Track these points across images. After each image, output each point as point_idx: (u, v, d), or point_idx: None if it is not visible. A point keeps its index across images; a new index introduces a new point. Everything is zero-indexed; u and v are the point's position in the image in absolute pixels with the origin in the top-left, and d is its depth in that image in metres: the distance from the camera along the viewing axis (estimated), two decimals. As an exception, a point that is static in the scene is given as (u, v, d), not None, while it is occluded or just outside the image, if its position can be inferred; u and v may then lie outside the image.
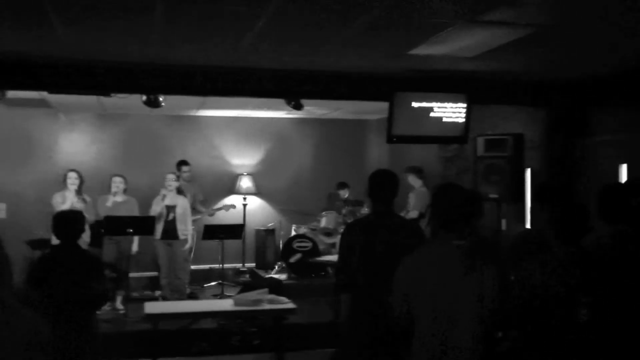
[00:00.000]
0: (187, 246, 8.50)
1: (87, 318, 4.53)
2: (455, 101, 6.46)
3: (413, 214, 8.18)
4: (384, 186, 4.05)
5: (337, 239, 9.29)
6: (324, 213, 9.63)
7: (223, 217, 9.76)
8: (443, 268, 2.99)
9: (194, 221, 9.02)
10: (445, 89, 6.44)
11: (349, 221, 9.23)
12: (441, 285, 2.96)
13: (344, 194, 9.70)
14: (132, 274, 8.43)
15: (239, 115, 10.46)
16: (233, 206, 9.88)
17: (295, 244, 9.30)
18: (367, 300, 3.93)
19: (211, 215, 9.53)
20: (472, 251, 3.02)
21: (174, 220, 8.33)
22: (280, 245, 9.78)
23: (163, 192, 8.34)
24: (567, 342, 3.16)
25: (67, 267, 4.43)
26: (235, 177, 10.60)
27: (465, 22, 4.40)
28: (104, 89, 6.37)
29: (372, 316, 3.85)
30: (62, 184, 7.89)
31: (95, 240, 7.88)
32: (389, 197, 4.05)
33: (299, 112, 8.34)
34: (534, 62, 5.80)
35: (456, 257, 2.99)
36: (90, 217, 7.73)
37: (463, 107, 6.48)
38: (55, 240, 4.72)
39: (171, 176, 8.49)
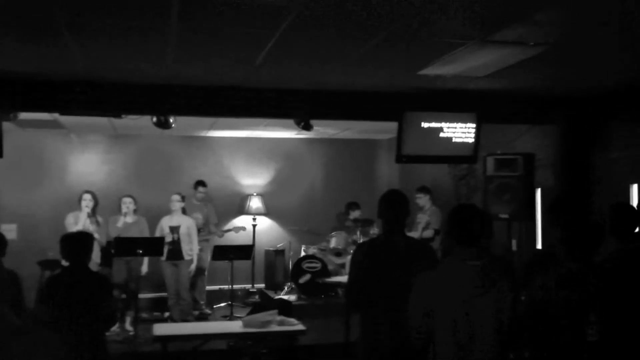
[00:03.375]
0: (193, 266, 8.48)
1: (96, 339, 4.52)
2: (465, 121, 6.46)
3: (428, 233, 8.16)
4: (394, 207, 4.04)
5: (346, 259, 9.26)
6: (333, 233, 9.60)
7: (233, 238, 9.75)
8: (459, 287, 3.01)
9: (205, 241, 9.01)
10: (455, 108, 6.45)
11: (359, 241, 9.23)
12: (458, 304, 2.99)
13: (355, 214, 9.66)
14: (141, 295, 8.43)
15: (249, 136, 10.49)
16: (243, 228, 9.88)
17: (305, 265, 9.27)
18: (378, 320, 3.91)
19: (220, 236, 9.53)
20: (487, 270, 3.03)
21: (178, 241, 8.33)
22: (290, 266, 9.75)
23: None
24: None
25: (76, 288, 4.44)
26: (245, 197, 10.61)
27: (476, 42, 4.41)
28: (115, 111, 6.41)
29: (385, 336, 3.83)
30: (77, 205, 7.92)
31: (106, 261, 7.90)
32: (399, 217, 4.04)
33: (309, 132, 8.35)
34: (545, 79, 5.80)
35: (472, 276, 3.00)
36: (101, 238, 7.76)
37: (472, 127, 6.48)
38: (65, 262, 4.72)
39: (176, 197, 8.51)
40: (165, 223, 8.41)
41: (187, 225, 8.44)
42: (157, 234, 8.33)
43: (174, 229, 8.35)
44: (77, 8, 3.71)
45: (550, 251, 4.18)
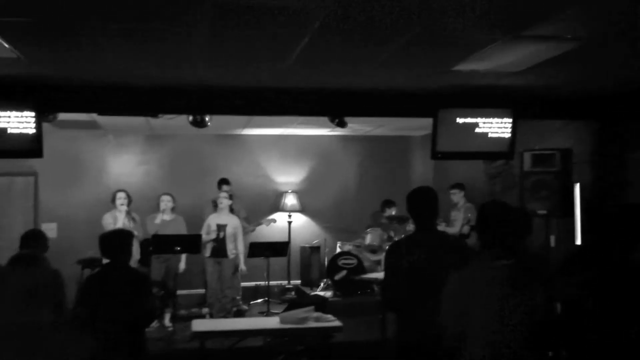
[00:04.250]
0: (242, 266, 8.57)
1: (136, 336, 4.59)
2: (501, 116, 6.39)
3: (465, 229, 8.11)
4: (423, 204, 4.03)
5: (382, 256, 9.23)
6: (368, 230, 9.60)
7: (268, 235, 9.82)
8: (490, 287, 2.97)
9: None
10: (490, 104, 6.38)
11: (394, 237, 9.22)
12: (489, 304, 2.95)
13: (390, 211, 9.64)
14: (179, 292, 8.55)
15: (284, 133, 10.54)
16: (274, 220, 9.98)
17: (341, 261, 9.29)
18: (414, 318, 3.91)
19: (252, 231, 9.60)
20: (519, 269, 2.99)
21: (224, 239, 8.42)
22: (326, 263, 9.78)
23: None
24: None
25: (116, 285, 4.49)
26: (280, 194, 10.67)
27: (510, 38, 4.36)
28: (152, 110, 6.51)
29: (420, 334, 3.83)
30: (111, 204, 8.06)
31: (144, 258, 8.02)
32: (429, 214, 4.03)
33: (343, 129, 8.36)
34: (581, 74, 5.71)
35: (503, 276, 2.97)
36: (139, 234, 7.89)
37: (509, 122, 6.40)
38: (105, 259, 4.81)
39: (224, 194, 8.60)
40: (213, 221, 8.52)
41: (233, 224, 8.54)
42: (204, 231, 8.46)
43: (221, 227, 8.45)
44: (112, 16, 3.78)
45: (585, 247, 4.12)
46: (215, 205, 8.82)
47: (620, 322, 3.07)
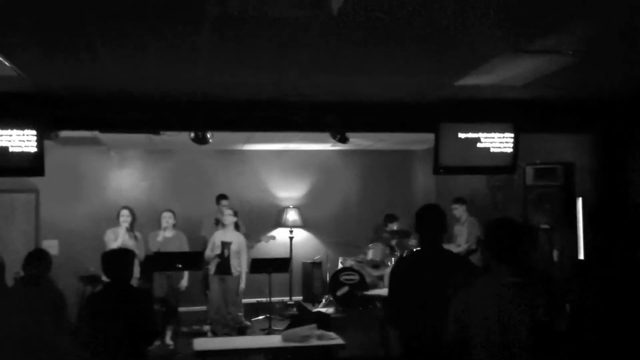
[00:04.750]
0: (243, 284, 8.54)
1: (138, 355, 4.56)
2: (503, 131, 6.37)
3: (471, 245, 8.06)
4: (431, 221, 4.03)
5: (384, 272, 9.21)
6: (370, 245, 9.56)
7: (270, 250, 9.79)
8: (496, 305, 2.95)
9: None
10: (492, 118, 6.37)
11: (397, 252, 9.18)
12: (495, 322, 2.92)
13: (392, 226, 9.61)
14: (181, 308, 8.51)
15: (285, 149, 10.54)
16: (273, 237, 9.99)
17: (343, 277, 9.24)
18: (417, 335, 3.88)
19: (251, 248, 9.57)
20: (526, 287, 2.97)
21: (228, 257, 8.39)
22: (327, 278, 9.73)
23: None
24: None
25: (118, 304, 4.47)
26: (282, 210, 10.64)
27: (512, 52, 4.36)
28: (154, 127, 6.51)
29: (425, 352, 3.79)
30: (115, 221, 8.04)
31: (146, 276, 7.99)
32: (436, 232, 4.03)
33: (344, 144, 8.35)
34: (582, 87, 5.71)
35: (509, 294, 2.95)
36: (140, 253, 7.86)
37: (510, 137, 6.39)
38: (106, 278, 4.78)
39: (229, 211, 8.58)
40: (218, 237, 8.49)
41: (238, 242, 8.51)
42: (209, 248, 8.43)
43: (226, 245, 8.42)
44: (111, 26, 3.77)
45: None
46: (217, 222, 8.80)
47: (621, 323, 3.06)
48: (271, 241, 9.91)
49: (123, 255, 4.76)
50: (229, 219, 8.52)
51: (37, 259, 5.04)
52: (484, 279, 3.13)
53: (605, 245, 3.28)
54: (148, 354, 4.76)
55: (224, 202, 9.33)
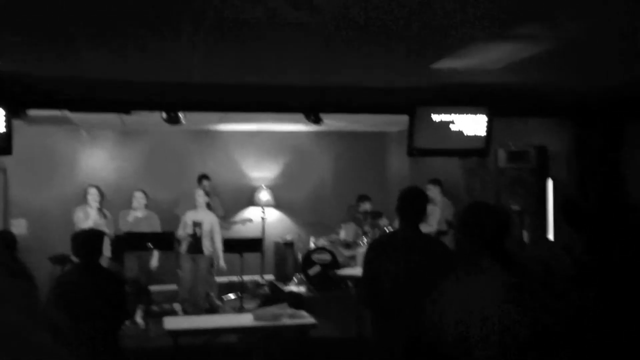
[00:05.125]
0: (221, 262, 8.52)
1: (110, 336, 4.53)
2: (477, 114, 6.40)
3: (443, 226, 8.11)
4: (413, 205, 4.05)
5: (356, 252, 9.25)
6: (342, 225, 9.58)
7: (242, 230, 9.76)
8: (481, 293, 2.90)
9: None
10: (467, 101, 6.39)
11: (369, 233, 9.22)
12: (479, 310, 2.87)
13: (365, 206, 9.63)
14: (152, 287, 8.47)
15: (259, 129, 10.47)
16: (250, 220, 9.95)
17: (315, 257, 9.26)
18: (393, 318, 3.89)
19: (228, 229, 9.55)
20: (507, 274, 2.94)
21: (200, 236, 8.35)
22: (300, 258, 9.75)
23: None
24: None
25: (88, 285, 4.44)
26: (254, 189, 10.60)
27: (491, 36, 4.35)
28: (125, 107, 6.40)
29: (398, 333, 3.81)
30: (83, 200, 7.94)
31: (116, 255, 7.92)
32: (417, 215, 4.06)
33: (319, 125, 8.32)
34: (558, 73, 5.73)
35: (493, 281, 2.90)
36: (110, 232, 7.78)
37: (484, 120, 6.42)
38: (76, 259, 4.72)
39: (200, 192, 8.54)
40: (190, 217, 8.45)
41: (210, 221, 8.48)
42: (181, 228, 8.39)
43: (197, 224, 8.37)
44: (85, 14, 3.69)
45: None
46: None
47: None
48: (244, 225, 9.86)
49: (93, 236, 4.70)
50: (200, 199, 8.47)
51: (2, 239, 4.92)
52: (464, 270, 3.05)
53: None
54: (119, 335, 4.73)
55: (205, 182, 9.29)
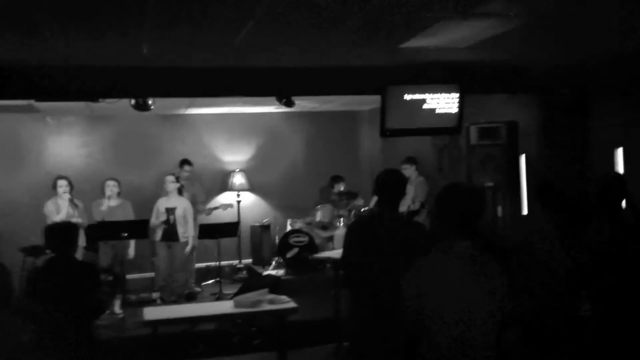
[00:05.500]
0: (188, 248, 8.46)
1: (86, 327, 4.49)
2: (448, 91, 6.42)
3: (415, 206, 8.15)
4: (392, 187, 4.05)
5: (333, 232, 9.28)
6: (319, 207, 9.59)
7: (218, 215, 9.70)
8: (451, 273, 2.92)
9: (193, 220, 8.96)
10: (438, 80, 6.41)
11: (343, 213, 9.24)
12: (454, 290, 2.89)
13: (339, 187, 9.64)
14: (128, 276, 8.40)
15: (229, 112, 10.38)
16: (230, 205, 9.86)
17: (292, 239, 9.27)
18: (371, 298, 3.92)
19: (208, 214, 9.49)
20: (482, 254, 2.97)
21: (174, 223, 8.28)
22: (277, 241, 9.74)
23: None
24: (569, 339, 3.14)
25: (63, 278, 4.39)
26: (228, 174, 10.53)
27: (458, 15, 4.35)
28: (92, 95, 6.30)
29: (377, 314, 3.85)
30: (52, 191, 7.81)
31: (91, 245, 7.83)
32: (396, 197, 4.06)
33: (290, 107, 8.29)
34: (526, 50, 5.77)
35: (467, 262, 2.93)
36: (83, 221, 7.68)
37: (456, 98, 6.44)
38: (50, 252, 4.66)
39: (170, 178, 8.44)
40: (162, 204, 8.36)
41: (183, 207, 8.40)
42: (153, 216, 8.32)
43: (170, 211, 8.30)
44: (57, 3, 3.61)
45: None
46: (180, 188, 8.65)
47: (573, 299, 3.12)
48: (225, 210, 9.78)
49: (67, 229, 4.63)
50: (170, 185, 8.39)
51: None
52: (439, 250, 3.07)
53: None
54: (95, 327, 4.70)
55: (186, 167, 9.21)
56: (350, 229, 4.25)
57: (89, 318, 4.53)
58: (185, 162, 9.30)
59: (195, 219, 9.09)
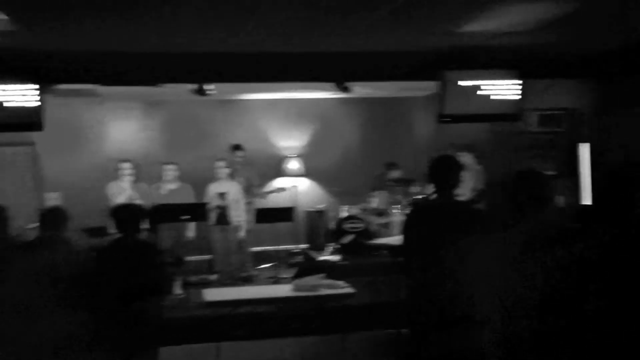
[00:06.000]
0: (242, 232, 8.58)
1: (150, 307, 4.61)
2: (507, 78, 6.36)
3: (473, 194, 8.04)
4: (446, 173, 4.01)
5: (389, 219, 9.26)
6: (374, 193, 9.58)
7: (274, 200, 9.81)
8: (511, 252, 2.97)
9: (248, 204, 9.10)
10: (497, 65, 6.34)
11: (399, 200, 9.22)
12: (509, 271, 2.94)
13: (394, 174, 9.61)
14: (188, 258, 8.58)
15: (284, 98, 10.46)
16: (283, 189, 9.94)
17: (347, 225, 9.29)
18: (430, 285, 3.93)
19: (263, 198, 9.61)
20: (542, 236, 2.99)
21: (226, 207, 8.42)
22: (332, 227, 9.79)
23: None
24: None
25: (129, 257, 4.51)
26: (283, 159, 10.63)
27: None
28: (152, 80, 6.46)
29: (435, 300, 3.87)
30: (115, 174, 8.03)
31: (152, 227, 8.03)
32: (451, 183, 4.01)
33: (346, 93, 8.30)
34: (590, 33, 5.65)
35: (524, 242, 2.97)
36: (144, 204, 7.88)
37: (515, 84, 6.37)
38: (116, 233, 4.80)
39: (221, 163, 8.57)
40: (213, 189, 8.50)
41: (234, 191, 8.52)
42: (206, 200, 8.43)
43: (222, 195, 8.43)
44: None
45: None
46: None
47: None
48: (280, 193, 9.89)
49: (134, 210, 4.78)
50: (221, 170, 8.51)
51: (53, 218, 4.95)
52: (500, 230, 3.12)
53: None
54: (160, 307, 4.83)
55: (238, 152, 9.31)
56: (409, 217, 4.27)
57: (155, 296, 4.65)
58: (236, 147, 9.40)
59: (250, 202, 9.23)
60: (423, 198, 8.77)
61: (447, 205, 4.00)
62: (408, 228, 4.12)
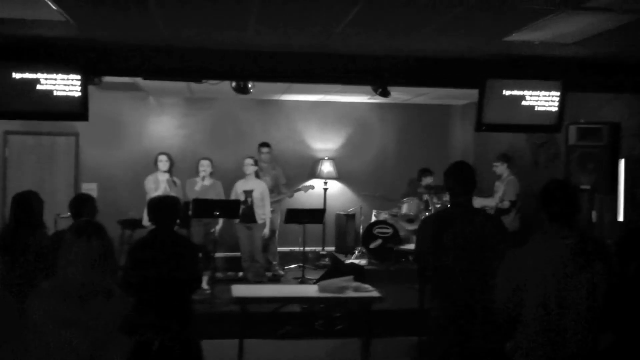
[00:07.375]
0: (266, 230, 8.60)
1: (184, 300, 4.64)
2: (549, 89, 6.26)
3: (504, 204, 7.95)
4: (461, 180, 3.98)
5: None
6: (405, 199, 9.55)
7: (304, 201, 9.84)
8: (551, 264, 2.98)
9: (275, 202, 9.11)
10: (540, 75, 6.26)
11: (431, 207, 9.17)
12: (552, 282, 2.98)
13: (427, 180, 9.56)
14: (216, 254, 8.64)
15: (322, 100, 10.48)
16: (312, 187, 9.90)
17: (376, 230, 9.29)
18: (451, 292, 3.89)
19: (290, 197, 9.63)
20: (581, 248, 2.99)
21: (252, 205, 8.45)
22: (361, 230, 9.78)
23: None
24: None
25: (165, 251, 4.52)
26: (317, 161, 10.64)
27: (566, 9, 4.25)
28: (197, 76, 6.51)
29: (457, 306, 3.83)
30: (154, 167, 8.13)
31: (184, 222, 8.10)
32: (467, 190, 3.98)
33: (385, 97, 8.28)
34: (632, 47, 5.55)
35: (564, 254, 2.98)
36: (181, 199, 7.95)
37: (557, 95, 6.28)
38: (146, 221, 4.83)
39: (249, 160, 8.60)
40: (240, 187, 8.55)
41: (260, 189, 8.55)
42: (232, 197, 8.48)
43: (248, 193, 8.48)
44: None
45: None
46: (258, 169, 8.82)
47: None
48: (307, 192, 9.89)
49: (171, 203, 4.78)
50: (249, 168, 8.54)
51: (84, 204, 5.03)
52: (537, 240, 3.13)
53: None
54: (192, 300, 4.85)
55: (264, 149, 9.33)
56: (424, 222, 4.25)
57: (189, 290, 4.68)
58: (263, 144, 9.43)
59: (278, 201, 9.25)
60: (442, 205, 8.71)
61: (460, 212, 3.96)
62: (420, 234, 4.11)
